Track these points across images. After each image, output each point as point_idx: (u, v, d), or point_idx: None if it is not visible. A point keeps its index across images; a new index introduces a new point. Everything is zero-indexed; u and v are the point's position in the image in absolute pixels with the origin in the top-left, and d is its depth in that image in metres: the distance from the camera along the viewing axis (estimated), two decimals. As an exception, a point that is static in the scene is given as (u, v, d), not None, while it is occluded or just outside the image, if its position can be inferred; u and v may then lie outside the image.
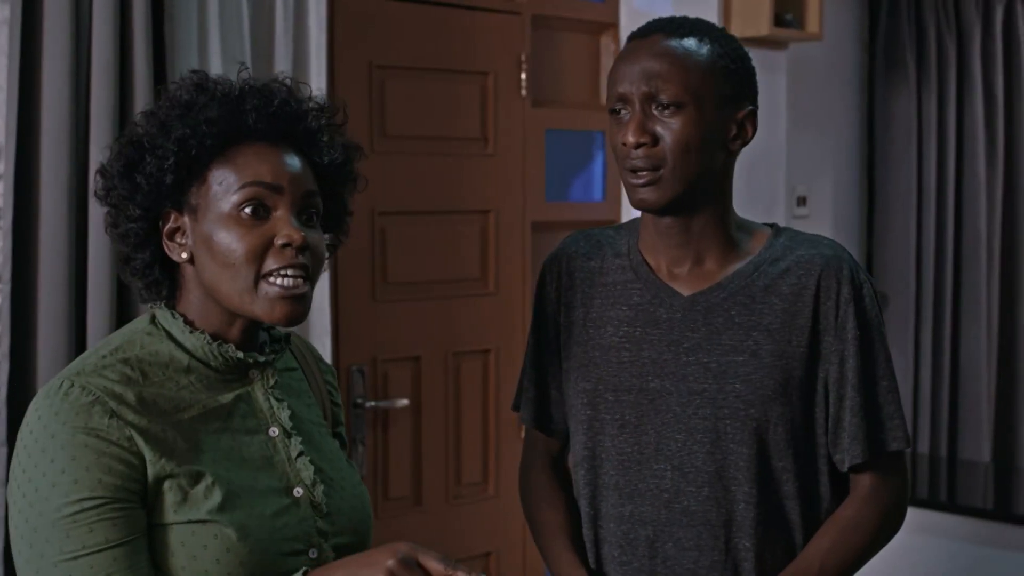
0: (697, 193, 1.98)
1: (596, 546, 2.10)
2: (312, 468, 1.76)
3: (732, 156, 2.02)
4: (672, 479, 2.01)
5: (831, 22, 4.75)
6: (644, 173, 1.94)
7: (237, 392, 1.75)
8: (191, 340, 1.73)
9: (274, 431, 1.76)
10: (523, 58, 4.10)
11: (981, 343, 5.16)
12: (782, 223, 4.25)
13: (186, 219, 1.72)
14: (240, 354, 1.74)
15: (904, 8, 4.99)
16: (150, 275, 1.76)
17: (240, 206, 1.68)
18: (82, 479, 1.59)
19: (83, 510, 1.58)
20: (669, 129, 1.93)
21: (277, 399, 1.78)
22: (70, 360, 2.75)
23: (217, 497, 1.64)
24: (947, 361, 5.14)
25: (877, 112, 5.11)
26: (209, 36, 2.99)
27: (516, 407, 2.24)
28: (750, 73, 2.02)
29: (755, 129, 2.03)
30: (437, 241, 3.93)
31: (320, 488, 1.75)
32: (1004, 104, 5.23)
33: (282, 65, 3.17)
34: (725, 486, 2.00)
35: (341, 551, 1.76)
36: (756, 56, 4.30)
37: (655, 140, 1.93)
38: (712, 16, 4.21)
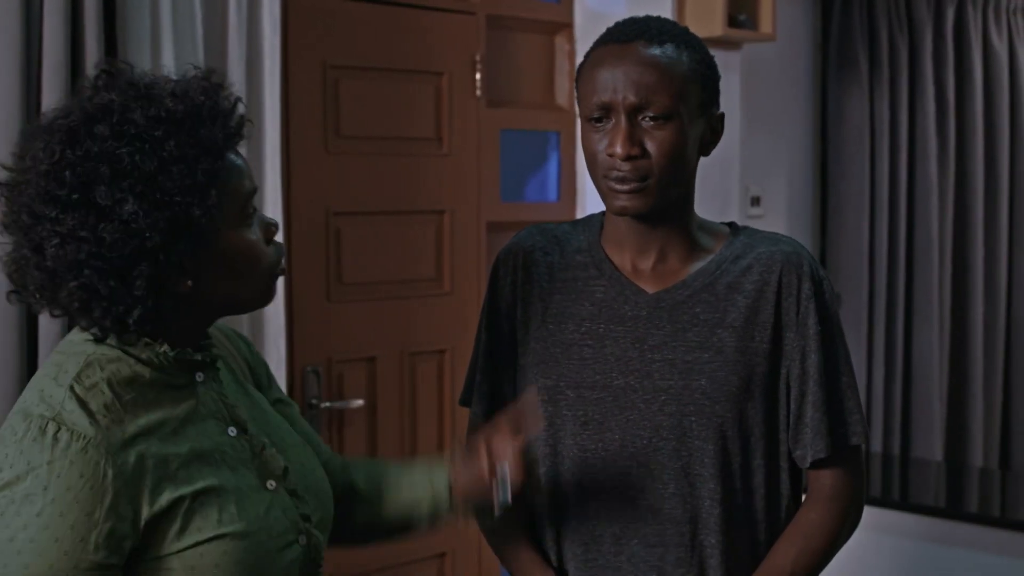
0: (675, 197, 1.98)
1: (558, 543, 2.09)
2: (280, 460, 1.73)
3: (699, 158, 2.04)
4: (637, 476, 2.01)
5: (784, 23, 4.77)
6: (632, 183, 1.94)
7: (193, 398, 1.70)
8: (147, 352, 1.64)
9: (232, 430, 1.71)
10: (478, 58, 4.10)
11: (933, 343, 5.20)
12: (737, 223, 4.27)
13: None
14: (197, 356, 1.69)
15: (856, 9, 5.02)
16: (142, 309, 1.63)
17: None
18: (68, 548, 1.52)
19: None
20: (656, 140, 1.92)
21: (225, 396, 1.74)
22: (21, 366, 2.72)
23: (214, 513, 1.60)
24: (899, 360, 5.18)
25: (830, 112, 5.14)
26: (162, 36, 2.97)
27: (465, 402, 2.22)
28: (717, 76, 2.02)
29: (723, 130, 2.04)
30: (392, 241, 3.92)
31: (291, 474, 1.73)
32: (955, 105, 5.28)
33: (235, 65, 3.15)
34: (691, 483, 2.00)
35: (319, 527, 1.76)
36: (710, 57, 4.34)
37: (644, 151, 1.93)
38: (665, 16, 4.21)
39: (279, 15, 3.27)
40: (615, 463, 2.02)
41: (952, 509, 3.90)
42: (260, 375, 1.93)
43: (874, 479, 4.40)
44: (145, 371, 1.65)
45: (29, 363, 2.75)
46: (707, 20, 4.25)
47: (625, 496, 2.02)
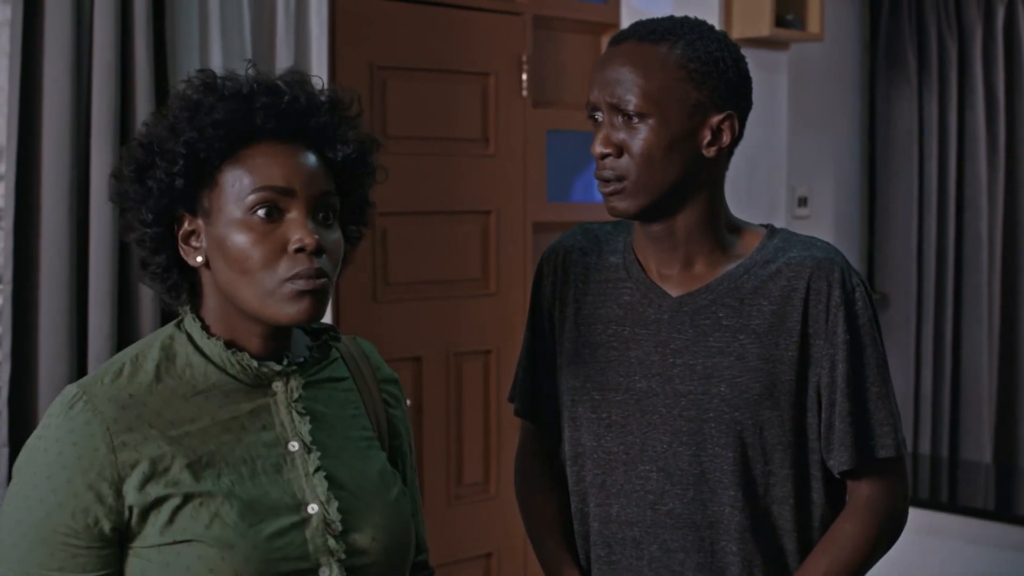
0: (673, 201, 1.95)
1: (586, 542, 2.09)
2: (326, 484, 1.70)
3: (716, 161, 1.97)
4: (657, 480, 1.99)
5: (832, 23, 4.75)
6: (610, 183, 1.94)
7: (257, 403, 1.71)
8: (208, 346, 1.69)
9: (293, 445, 1.70)
10: (524, 58, 4.10)
11: (982, 344, 5.16)
12: (782, 223, 4.25)
13: (200, 222, 1.67)
14: (255, 363, 1.69)
15: (905, 8, 4.99)
16: (168, 279, 1.71)
17: (252, 210, 1.63)
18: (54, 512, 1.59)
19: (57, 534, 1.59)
20: (633, 139, 1.91)
21: (300, 412, 1.72)
22: (71, 362, 2.75)
23: (205, 518, 1.61)
24: (948, 362, 5.14)
25: (878, 112, 5.11)
26: (210, 37, 2.99)
27: (512, 398, 2.23)
28: (732, 75, 1.95)
29: (735, 133, 1.97)
30: (438, 241, 3.93)
31: (335, 505, 1.69)
32: (1005, 104, 5.23)
33: (283, 65, 3.17)
34: (711, 489, 1.98)
35: (361, 572, 1.71)
36: (757, 57, 4.32)
37: (620, 151, 1.92)
38: (713, 17, 4.21)
39: (327, 16, 3.28)
40: (636, 467, 2.01)
41: (1001, 512, 3.87)
42: (380, 420, 1.88)
43: (922, 481, 4.37)
44: (202, 363, 1.69)
45: (79, 358, 2.78)
46: (755, 20, 4.23)
47: (645, 500, 2.01)
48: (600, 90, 1.94)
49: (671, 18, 2.00)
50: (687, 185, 1.95)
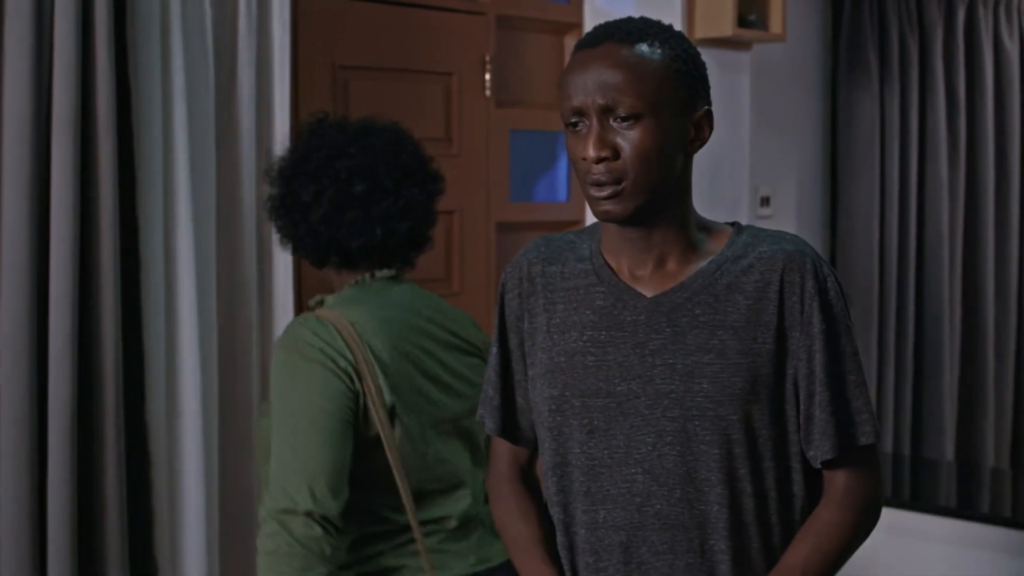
0: (659, 200, 1.96)
1: (571, 553, 2.08)
2: None
3: (690, 158, 2.01)
4: (643, 483, 1.99)
5: (794, 23, 4.77)
6: (607, 187, 1.93)
7: None
8: None
9: None
10: (487, 58, 4.10)
11: (944, 342, 5.20)
12: (746, 223, 4.26)
13: None
14: None
15: (867, 8, 5.01)
16: None
17: None
18: None
19: None
20: (629, 141, 1.90)
21: None
22: (31, 363, 2.73)
23: None
24: (910, 360, 5.17)
25: (840, 112, 5.13)
26: (171, 37, 2.98)
27: (482, 417, 2.22)
28: (702, 72, 2.00)
29: (711, 129, 2.01)
30: (402, 242, 3.91)
31: None
32: (966, 104, 5.27)
33: (245, 66, 3.16)
34: (697, 488, 1.98)
35: None
36: (720, 57, 4.34)
37: (616, 153, 1.91)
38: (675, 17, 4.22)
39: (289, 16, 3.27)
40: (621, 470, 2.01)
41: (963, 509, 3.89)
42: None
43: (885, 479, 4.40)
44: None
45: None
46: (717, 20, 4.24)
47: (632, 503, 2.01)
48: (587, 94, 1.92)
49: (639, 19, 2.01)
50: (672, 184, 1.96)
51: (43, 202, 2.77)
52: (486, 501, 2.53)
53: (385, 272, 2.54)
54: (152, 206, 2.96)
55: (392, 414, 2.40)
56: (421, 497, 2.46)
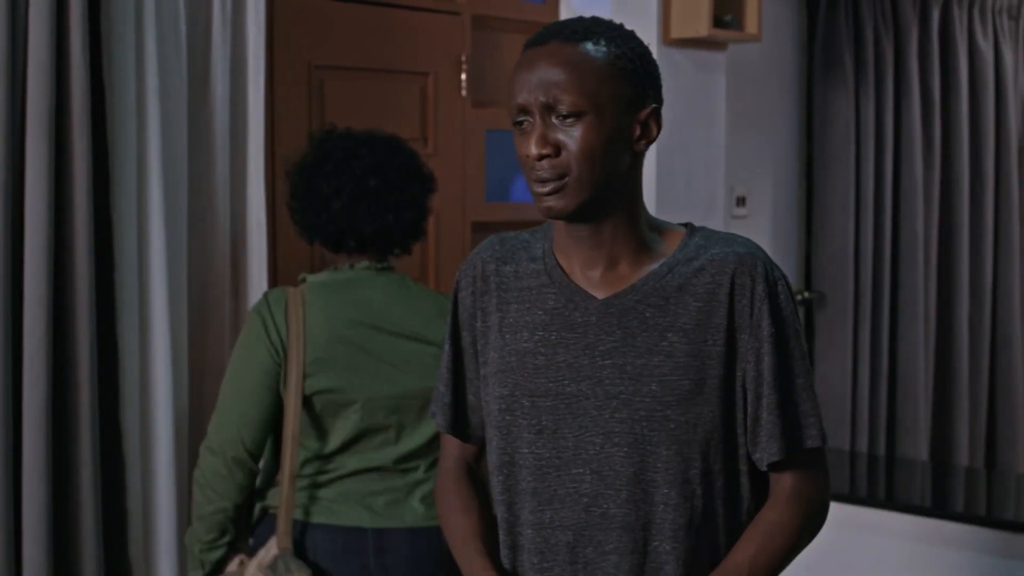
0: (604, 197, 1.96)
1: (514, 552, 2.08)
2: None
3: (639, 156, 2.01)
4: (591, 483, 2.00)
5: (770, 23, 4.77)
6: (549, 183, 1.94)
7: None
8: None
9: None
10: (463, 58, 4.10)
11: (918, 343, 5.21)
12: (720, 223, 4.27)
13: None
14: None
15: (842, 9, 5.02)
16: None
17: None
18: None
19: None
20: (571, 138, 1.91)
21: None
22: (5, 365, 2.72)
23: None
24: (885, 360, 5.18)
25: (815, 113, 5.14)
26: (146, 36, 2.97)
27: (433, 413, 2.23)
28: (651, 71, 2.00)
29: (660, 127, 2.01)
30: (377, 242, 3.91)
31: None
32: (941, 105, 5.29)
33: (219, 65, 3.15)
34: (644, 489, 1.98)
35: None
36: (695, 57, 4.35)
37: (558, 150, 1.92)
38: (651, 17, 4.22)
39: (263, 16, 3.26)
40: (569, 470, 2.01)
41: (938, 508, 3.90)
42: None
43: (860, 478, 4.41)
44: None
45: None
46: (693, 20, 4.25)
47: (579, 503, 2.01)
48: (530, 92, 1.93)
49: (589, 18, 2.02)
50: (618, 182, 1.97)
51: (17, 201, 2.76)
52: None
53: (364, 263, 2.89)
54: (126, 206, 2.96)
55: (307, 384, 2.78)
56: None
